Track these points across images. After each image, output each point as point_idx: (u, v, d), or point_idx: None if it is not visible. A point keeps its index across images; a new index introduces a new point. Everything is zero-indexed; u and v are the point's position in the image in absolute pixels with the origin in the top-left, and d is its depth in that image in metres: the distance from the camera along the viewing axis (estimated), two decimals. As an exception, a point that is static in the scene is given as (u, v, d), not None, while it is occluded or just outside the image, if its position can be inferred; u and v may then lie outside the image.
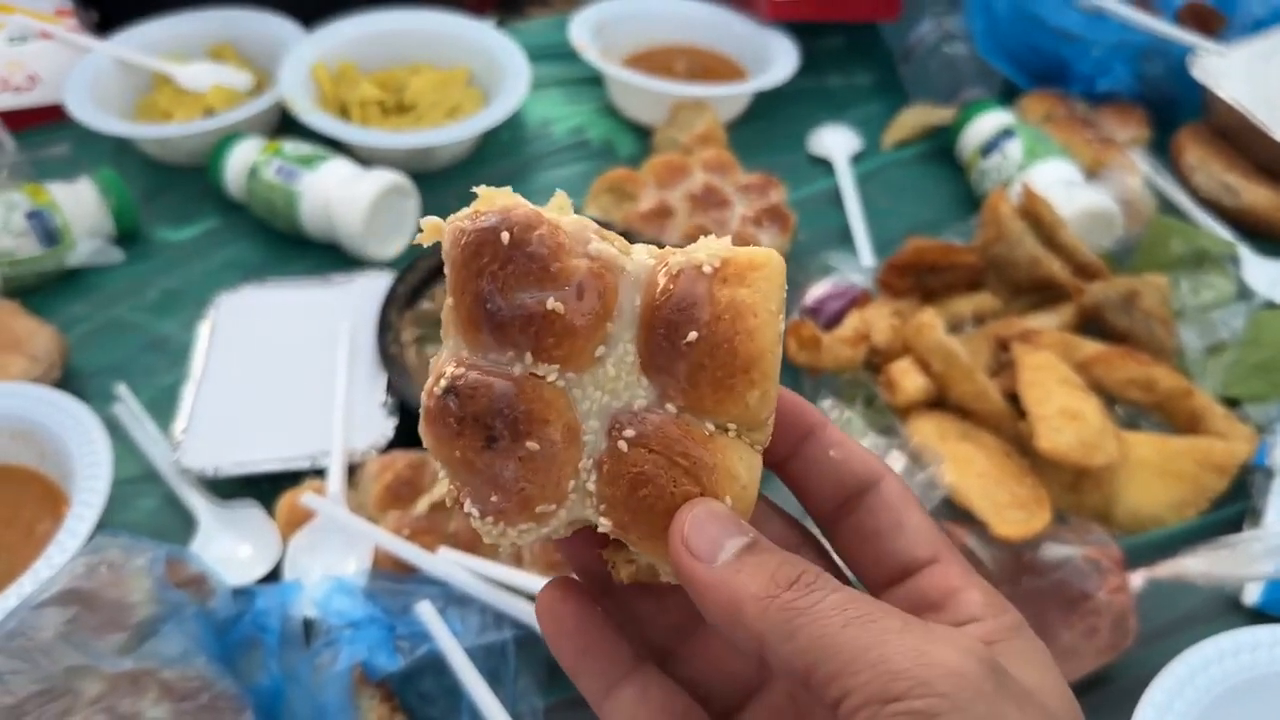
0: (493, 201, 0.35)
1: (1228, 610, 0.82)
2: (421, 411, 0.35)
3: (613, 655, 0.38)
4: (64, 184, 1.11)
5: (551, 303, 0.34)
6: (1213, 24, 1.32)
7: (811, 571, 0.32)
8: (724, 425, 0.35)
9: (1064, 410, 0.85)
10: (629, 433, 0.35)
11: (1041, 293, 1.01)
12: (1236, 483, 0.87)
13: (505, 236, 0.34)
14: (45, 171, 1.15)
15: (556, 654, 0.38)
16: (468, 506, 0.36)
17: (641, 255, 0.36)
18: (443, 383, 0.35)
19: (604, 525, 0.35)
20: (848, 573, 0.40)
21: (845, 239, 1.17)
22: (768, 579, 0.32)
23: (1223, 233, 1.14)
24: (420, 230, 0.36)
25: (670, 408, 0.35)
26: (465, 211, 0.35)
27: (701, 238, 0.36)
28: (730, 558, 0.33)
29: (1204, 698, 0.72)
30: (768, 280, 0.35)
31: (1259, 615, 0.81)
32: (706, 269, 0.35)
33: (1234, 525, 0.86)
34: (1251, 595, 0.82)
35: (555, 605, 0.38)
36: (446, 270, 0.35)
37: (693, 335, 0.34)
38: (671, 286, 0.35)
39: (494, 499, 0.35)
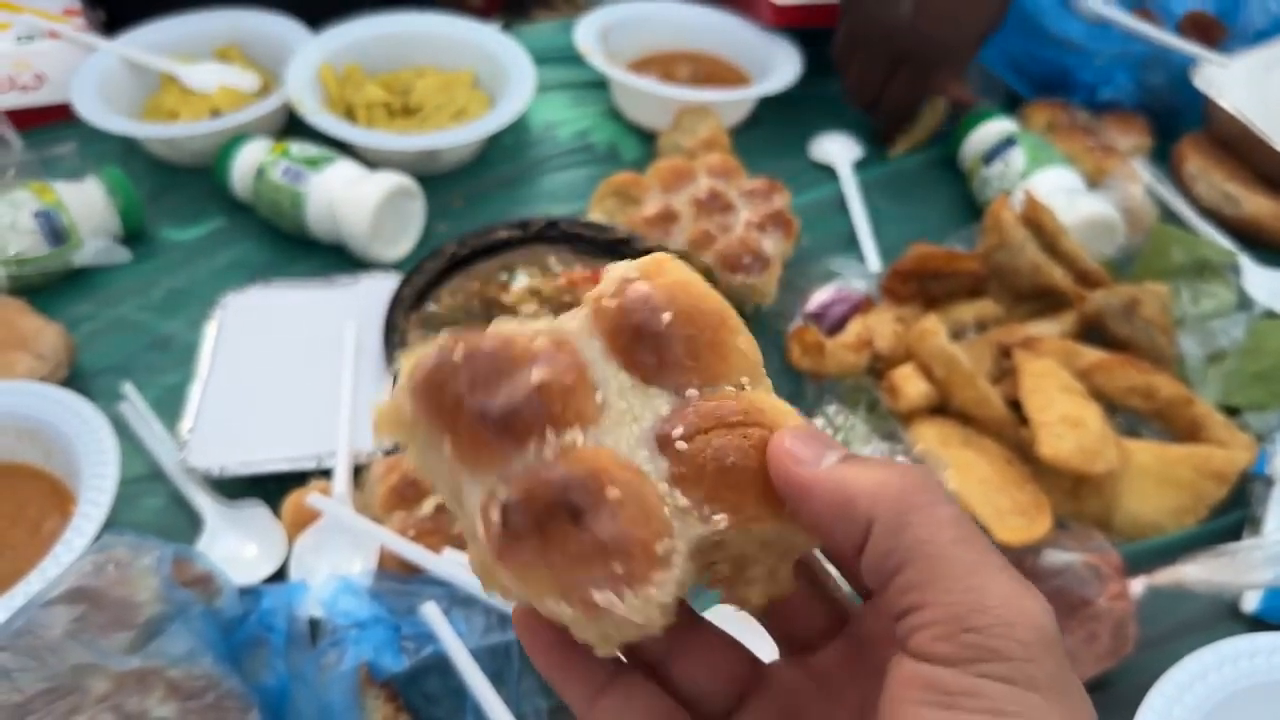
0: (410, 368, 0.35)
1: (1227, 617, 0.83)
2: (492, 563, 0.33)
3: (593, 664, 0.37)
4: (71, 183, 1.11)
5: (535, 376, 0.34)
6: (1214, 34, 1.33)
7: (928, 472, 0.33)
8: (739, 384, 0.36)
9: (1065, 417, 0.85)
10: (678, 432, 0.34)
11: (1043, 300, 1.01)
12: (1236, 491, 0.88)
13: (457, 357, 0.34)
14: (52, 170, 1.16)
15: (536, 665, 0.38)
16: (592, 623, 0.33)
17: (566, 317, 0.37)
18: (496, 516, 0.33)
19: (720, 522, 0.34)
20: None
21: (848, 245, 1.18)
22: (880, 474, 0.32)
23: (1223, 242, 1.15)
24: (393, 380, 0.36)
25: (691, 392, 0.36)
26: (400, 382, 0.35)
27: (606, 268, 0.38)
28: (835, 461, 0.33)
29: (1203, 704, 0.72)
30: (680, 266, 0.38)
31: (1258, 623, 0.82)
32: (633, 274, 0.37)
33: (1233, 533, 0.87)
34: (1250, 603, 0.82)
35: (531, 617, 0.37)
36: (422, 438, 0.34)
37: (666, 317, 0.35)
38: (616, 301, 0.36)
39: (615, 568, 0.32)
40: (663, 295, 0.36)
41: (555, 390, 0.34)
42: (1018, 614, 0.29)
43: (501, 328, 0.35)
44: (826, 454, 0.33)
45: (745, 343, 0.36)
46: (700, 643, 0.39)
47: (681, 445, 0.34)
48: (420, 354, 0.35)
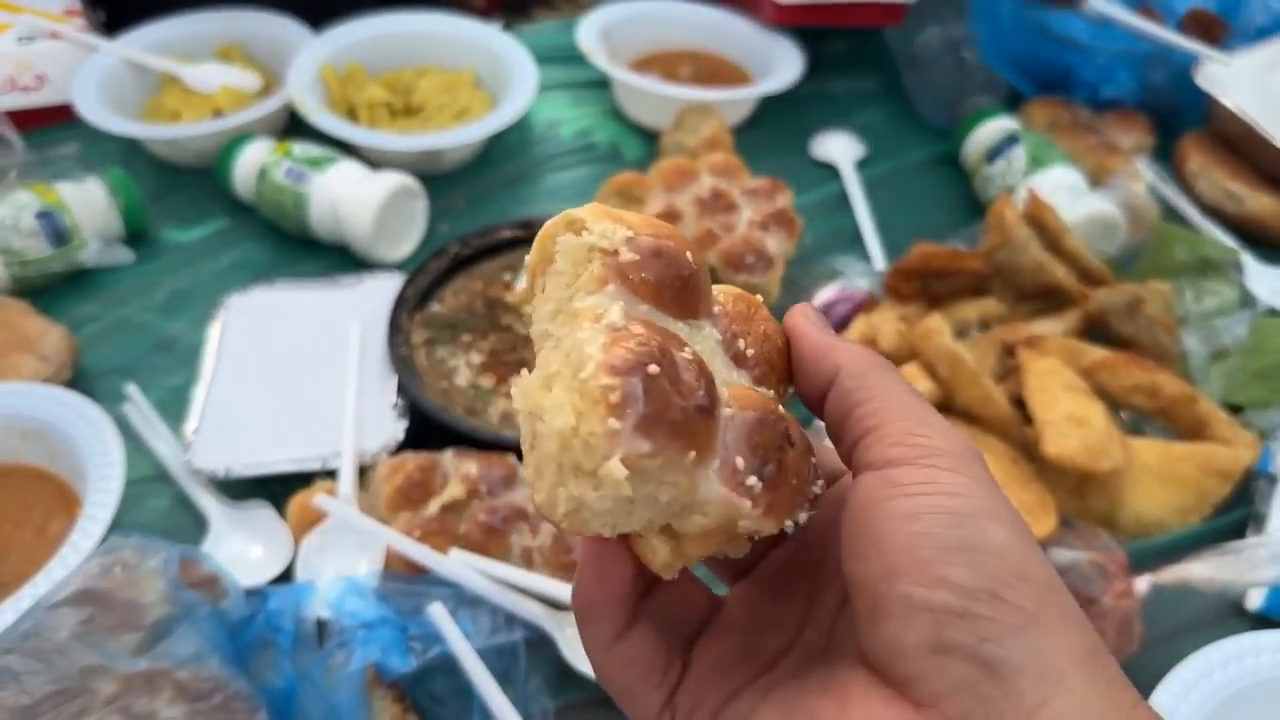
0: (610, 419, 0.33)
1: (1231, 615, 0.83)
2: (758, 518, 0.35)
3: (617, 612, 0.39)
4: (73, 184, 1.11)
5: (690, 355, 0.35)
6: (1215, 32, 1.33)
7: (891, 364, 0.39)
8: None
9: (1070, 416, 0.85)
10: (740, 345, 0.39)
11: (1046, 298, 1.01)
12: (1240, 488, 0.88)
13: (654, 373, 0.33)
14: (54, 171, 1.15)
15: (585, 603, 0.39)
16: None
17: (596, 301, 0.36)
18: (754, 480, 0.35)
19: (788, 392, 0.40)
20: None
21: (850, 244, 1.18)
22: (858, 346, 0.39)
23: (1226, 240, 1.15)
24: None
25: (716, 308, 0.39)
26: (618, 433, 0.32)
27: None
28: (830, 334, 0.40)
29: (1208, 702, 0.73)
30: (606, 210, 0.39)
31: (1262, 620, 0.82)
32: (625, 229, 0.38)
33: (1237, 531, 0.87)
34: (1255, 600, 0.83)
35: (598, 556, 0.38)
36: (658, 468, 0.33)
37: (690, 255, 0.38)
38: (637, 256, 0.37)
39: (812, 460, 0.38)
40: (662, 241, 0.37)
41: (702, 365, 0.35)
42: (953, 432, 0.36)
43: (601, 336, 0.33)
44: (826, 328, 0.41)
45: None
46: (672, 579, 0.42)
47: (750, 351, 0.39)
48: (601, 397, 0.32)
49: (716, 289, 0.40)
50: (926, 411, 0.36)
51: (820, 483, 0.38)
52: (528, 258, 0.40)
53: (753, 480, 0.35)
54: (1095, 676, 0.32)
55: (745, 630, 0.41)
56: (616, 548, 0.37)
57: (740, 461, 0.35)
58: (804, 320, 0.40)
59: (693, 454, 0.33)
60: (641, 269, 0.36)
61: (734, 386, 0.37)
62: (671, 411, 0.32)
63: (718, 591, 0.43)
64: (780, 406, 0.38)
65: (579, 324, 0.34)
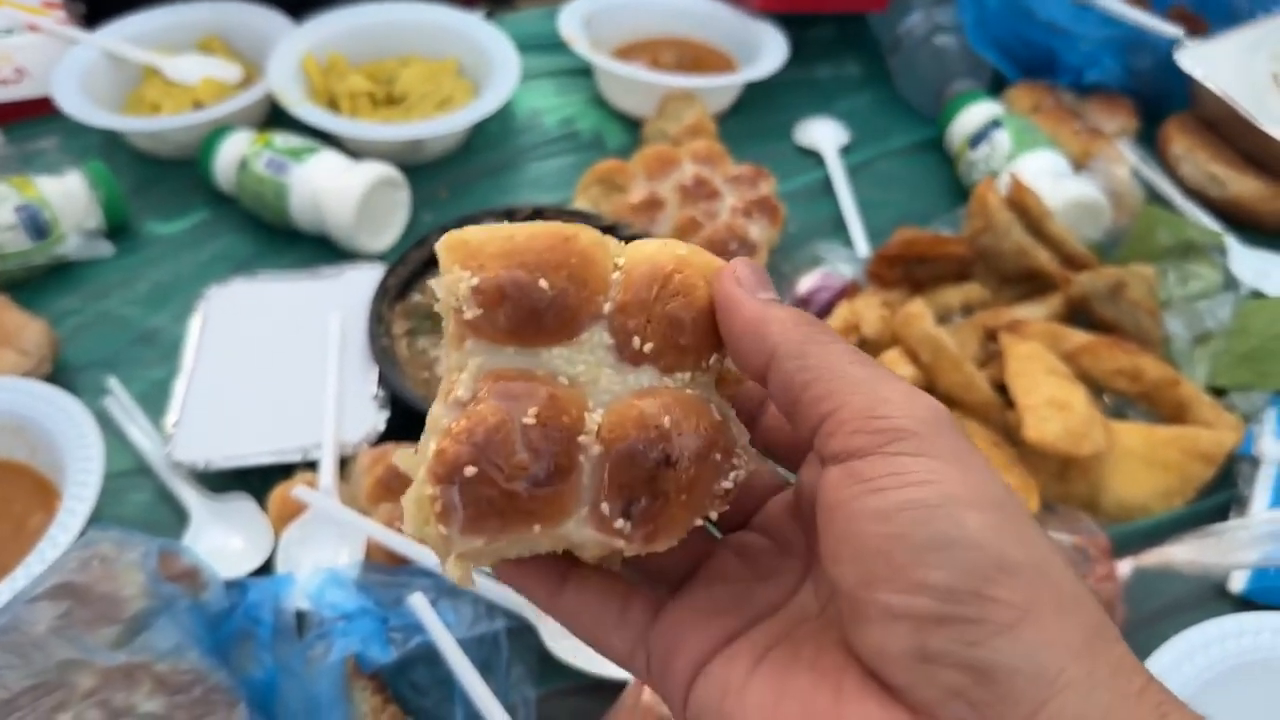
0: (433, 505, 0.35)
1: (1214, 598, 0.83)
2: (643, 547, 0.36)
3: (550, 564, 0.39)
4: (52, 177, 1.11)
5: (532, 431, 0.34)
6: (1197, 28, 1.33)
7: (829, 326, 0.36)
8: (616, 264, 0.38)
9: (1051, 400, 0.85)
10: (635, 343, 0.37)
11: (1029, 283, 1.01)
12: (1223, 471, 0.88)
13: (467, 460, 0.34)
14: (33, 165, 1.15)
15: (502, 579, 0.40)
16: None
17: (458, 358, 0.37)
18: (622, 524, 0.35)
19: (717, 361, 0.38)
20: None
21: (834, 230, 1.18)
22: (796, 314, 0.36)
23: (1209, 223, 1.15)
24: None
25: (607, 307, 0.37)
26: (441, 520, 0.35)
27: None
28: (766, 296, 0.37)
29: (1190, 684, 0.73)
30: (464, 236, 0.38)
31: (1245, 603, 0.82)
32: (462, 276, 0.36)
33: (1220, 514, 0.87)
34: (1237, 583, 0.83)
35: None
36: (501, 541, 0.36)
37: (543, 283, 0.36)
38: (477, 310, 0.36)
39: (716, 458, 0.37)
40: (515, 271, 0.35)
41: (548, 411, 0.34)
42: (915, 402, 0.33)
43: (443, 421, 0.35)
44: (761, 290, 0.37)
45: (588, 233, 0.37)
46: None
47: (648, 347, 0.36)
48: (430, 507, 0.34)
49: (625, 261, 0.37)
50: (880, 380, 0.34)
51: (738, 466, 0.37)
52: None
53: (620, 523, 0.35)
54: (1097, 665, 0.30)
55: (735, 579, 0.39)
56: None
57: (605, 507, 0.35)
58: (732, 286, 0.37)
59: (537, 526, 0.34)
60: (491, 320, 0.35)
61: (618, 404, 0.36)
62: (498, 503, 0.33)
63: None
64: (689, 391, 0.37)
65: (436, 396, 0.36)
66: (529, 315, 0.35)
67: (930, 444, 0.32)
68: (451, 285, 0.36)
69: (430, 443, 0.35)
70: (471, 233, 0.36)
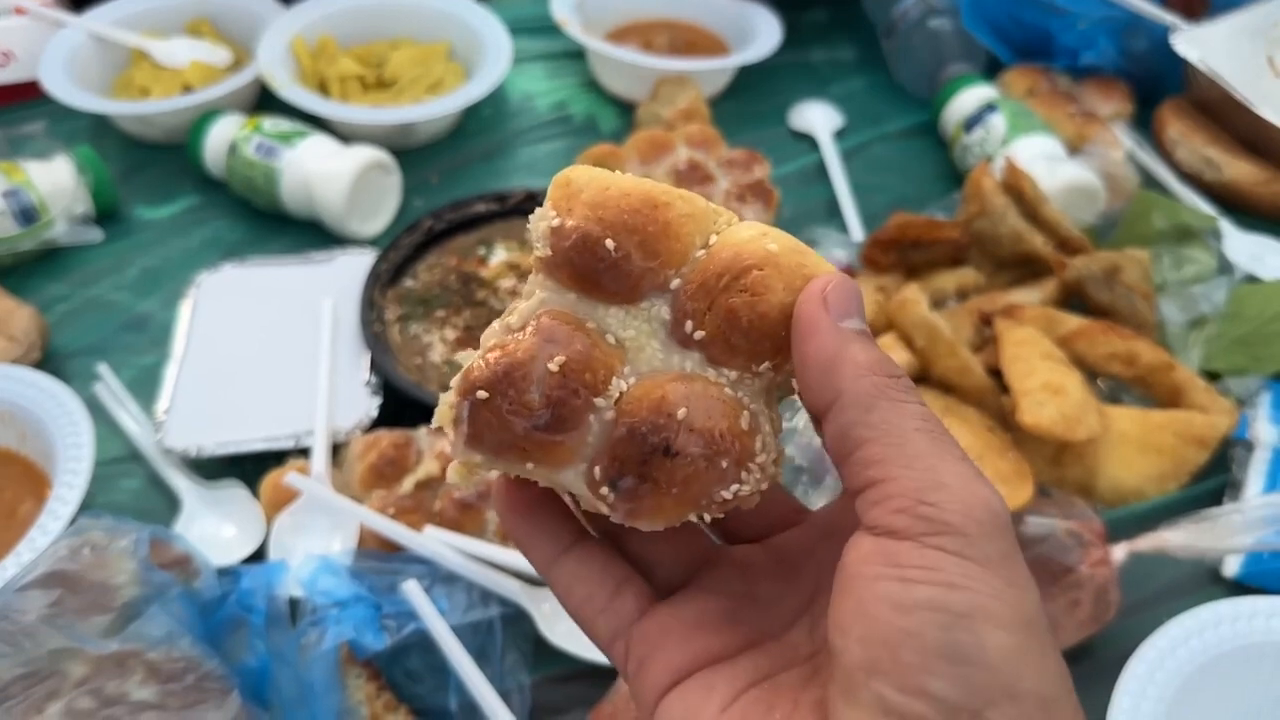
0: (450, 430, 0.37)
1: (1208, 582, 0.83)
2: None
3: (559, 529, 0.40)
4: (40, 162, 1.10)
5: (554, 364, 0.36)
6: (1196, 8, 1.32)
7: (908, 381, 0.34)
8: (706, 242, 0.38)
9: (1046, 385, 0.85)
10: (688, 327, 0.37)
11: (1024, 268, 1.01)
12: (1217, 456, 0.88)
13: (483, 395, 0.36)
14: (20, 149, 1.14)
15: (506, 527, 0.41)
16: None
17: (529, 288, 0.39)
18: (607, 491, 0.36)
19: (767, 370, 0.37)
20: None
21: (828, 214, 1.17)
22: (876, 358, 0.34)
23: (1204, 207, 1.14)
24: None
25: (675, 282, 0.37)
26: (456, 445, 0.37)
27: None
28: (852, 327, 0.34)
29: (1185, 668, 0.73)
30: (587, 174, 0.38)
31: (1238, 587, 0.82)
32: (551, 216, 0.37)
33: (1214, 498, 0.87)
34: (1231, 567, 0.83)
35: (511, 487, 0.40)
36: (503, 469, 0.38)
37: (610, 244, 0.36)
38: (555, 250, 0.37)
39: (722, 464, 0.36)
40: (591, 225, 0.36)
41: (576, 364, 0.35)
42: (973, 495, 0.31)
43: (491, 340, 0.37)
44: (851, 318, 0.34)
45: (685, 204, 0.37)
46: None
47: (699, 334, 0.36)
48: (450, 412, 0.37)
49: (716, 242, 0.37)
50: (945, 460, 0.31)
51: (746, 481, 0.36)
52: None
53: (605, 490, 0.36)
54: None
55: (731, 595, 0.39)
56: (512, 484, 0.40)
57: (597, 471, 0.36)
58: (815, 306, 0.34)
59: (529, 464, 0.36)
60: (558, 263, 0.37)
61: (650, 379, 0.36)
62: (496, 431, 0.35)
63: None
64: (727, 390, 0.36)
65: (503, 315, 0.38)
66: (589, 271, 0.36)
67: (975, 547, 0.30)
68: (536, 220, 0.37)
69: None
70: (578, 173, 0.37)
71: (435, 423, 0.37)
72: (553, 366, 0.35)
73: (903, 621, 0.29)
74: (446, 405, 0.37)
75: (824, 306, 0.34)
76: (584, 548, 0.40)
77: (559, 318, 0.36)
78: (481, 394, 0.35)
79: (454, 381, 0.36)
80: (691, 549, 0.41)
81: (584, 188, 0.37)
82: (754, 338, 0.36)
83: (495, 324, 0.37)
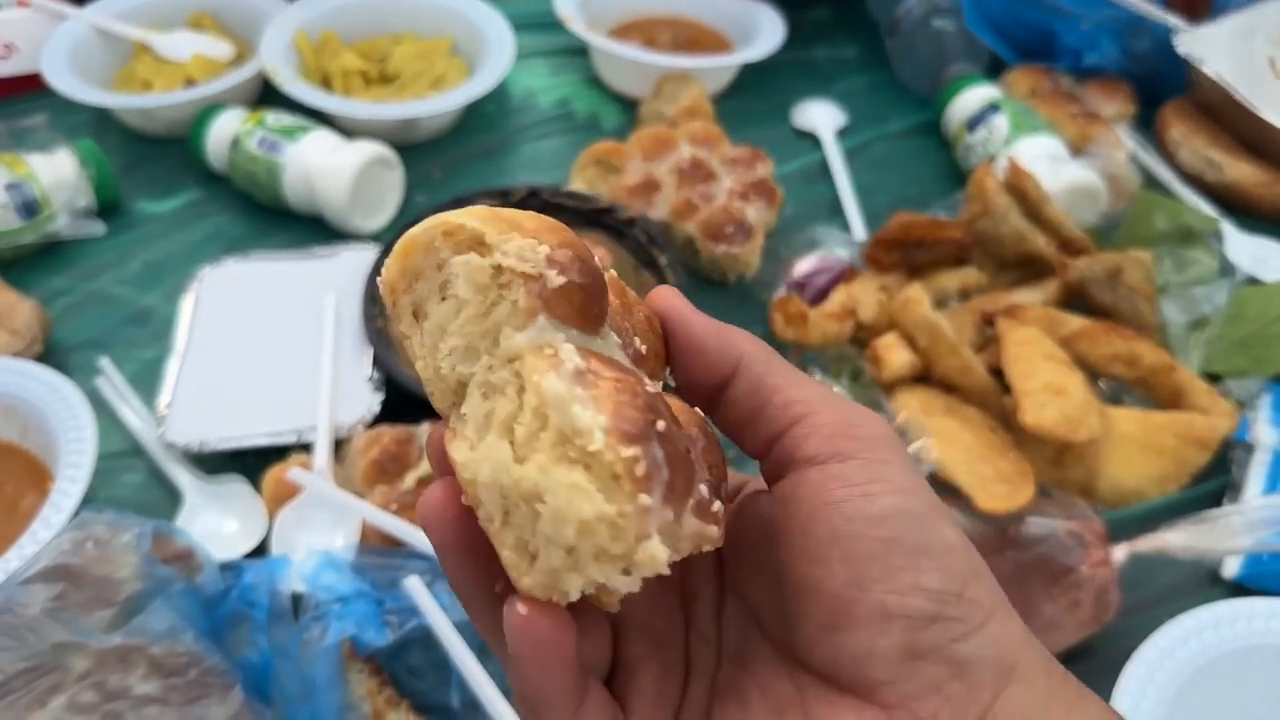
0: None
1: (1208, 583, 0.83)
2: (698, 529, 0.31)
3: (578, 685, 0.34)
4: (42, 155, 1.09)
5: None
6: (1199, 8, 1.32)
7: None
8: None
9: (1048, 385, 0.85)
10: (637, 342, 0.35)
11: (1026, 268, 1.01)
12: (1218, 457, 0.88)
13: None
14: (23, 142, 1.14)
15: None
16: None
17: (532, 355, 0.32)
18: (711, 494, 0.32)
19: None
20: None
21: (831, 213, 1.17)
22: (746, 331, 0.37)
23: (1206, 208, 1.14)
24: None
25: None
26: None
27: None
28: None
29: (1185, 669, 0.73)
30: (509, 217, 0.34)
31: (1238, 588, 0.82)
32: (543, 249, 0.32)
33: (1215, 499, 0.87)
34: (1231, 569, 0.83)
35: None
36: None
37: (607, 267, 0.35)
38: (561, 277, 0.32)
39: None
40: (575, 248, 0.32)
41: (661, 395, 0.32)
42: (877, 420, 0.35)
43: (563, 384, 0.29)
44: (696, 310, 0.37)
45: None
46: None
47: (645, 349, 0.35)
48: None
49: None
50: (840, 398, 0.35)
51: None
52: (384, 272, 0.34)
53: (718, 506, 0.32)
54: (1036, 654, 0.33)
55: (644, 659, 0.37)
56: (556, 614, 0.31)
57: (704, 489, 0.31)
58: (680, 302, 0.36)
59: (691, 501, 0.30)
60: (568, 294, 0.31)
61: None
62: (685, 468, 0.29)
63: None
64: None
65: (533, 372, 0.29)
66: (596, 292, 0.32)
67: (900, 455, 0.34)
68: (525, 251, 0.30)
69: (530, 421, 0.29)
70: (485, 210, 0.32)
71: (570, 523, 0.28)
72: (649, 387, 0.31)
73: (879, 531, 0.32)
74: (604, 467, 0.28)
75: (686, 302, 0.37)
76: (595, 692, 0.35)
77: (600, 359, 0.30)
78: (660, 424, 0.29)
79: (600, 443, 0.27)
80: (602, 639, 0.37)
81: (514, 216, 0.32)
82: (660, 345, 0.36)
83: (553, 377, 0.29)
